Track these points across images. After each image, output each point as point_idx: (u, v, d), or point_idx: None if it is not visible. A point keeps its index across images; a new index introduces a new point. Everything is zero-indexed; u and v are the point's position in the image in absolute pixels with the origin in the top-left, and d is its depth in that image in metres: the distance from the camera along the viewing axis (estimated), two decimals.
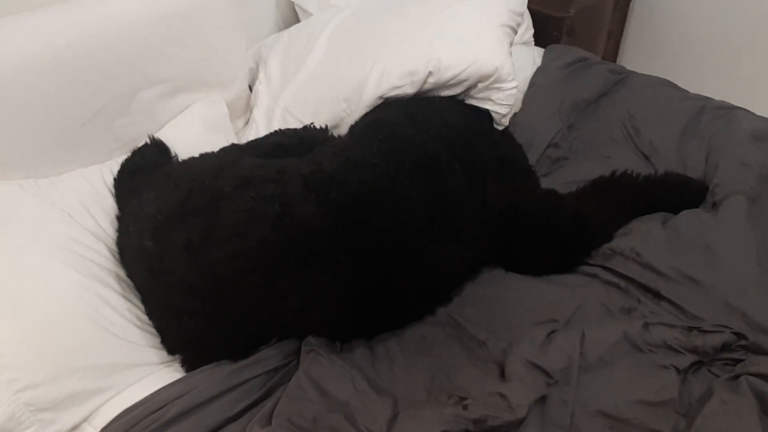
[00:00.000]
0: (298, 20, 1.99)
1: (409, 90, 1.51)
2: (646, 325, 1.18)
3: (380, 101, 1.54)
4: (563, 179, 1.57)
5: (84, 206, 1.31)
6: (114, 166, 1.43)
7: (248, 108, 1.81)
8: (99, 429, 1.07)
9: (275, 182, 1.17)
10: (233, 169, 1.22)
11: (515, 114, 1.73)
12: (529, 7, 2.03)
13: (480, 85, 1.50)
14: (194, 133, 1.55)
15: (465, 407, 1.04)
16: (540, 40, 2.10)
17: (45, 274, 1.14)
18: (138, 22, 1.44)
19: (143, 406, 1.08)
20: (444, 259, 1.27)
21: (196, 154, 1.40)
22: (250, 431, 1.04)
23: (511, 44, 1.58)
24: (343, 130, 1.56)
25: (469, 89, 1.53)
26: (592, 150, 1.67)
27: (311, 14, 1.92)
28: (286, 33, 1.87)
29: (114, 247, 1.28)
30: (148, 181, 1.30)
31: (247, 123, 1.80)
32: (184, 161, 1.39)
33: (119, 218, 1.32)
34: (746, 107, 1.74)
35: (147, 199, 1.23)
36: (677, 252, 1.33)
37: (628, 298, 1.28)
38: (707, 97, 1.79)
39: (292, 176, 1.19)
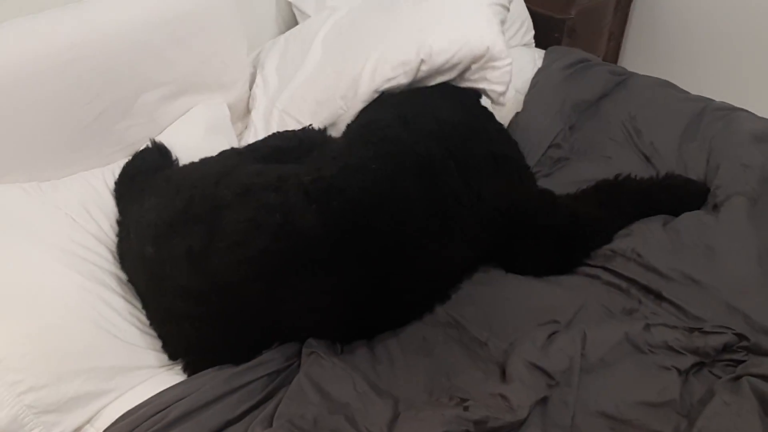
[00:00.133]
0: (297, 23, 2.00)
1: (404, 80, 1.51)
2: (647, 326, 1.18)
3: (376, 95, 1.54)
4: (564, 180, 1.57)
5: (86, 209, 1.32)
6: (116, 168, 1.44)
7: (249, 111, 1.82)
8: (101, 431, 1.07)
9: (276, 190, 1.18)
10: (234, 176, 1.23)
11: (516, 114, 1.73)
12: (529, 9, 2.04)
13: (474, 67, 1.50)
14: (196, 136, 1.55)
15: (466, 408, 1.04)
16: (541, 41, 2.11)
17: (48, 277, 1.15)
18: (140, 25, 1.44)
19: (145, 408, 1.08)
20: (443, 258, 1.27)
21: (197, 158, 1.40)
22: None
23: (503, 22, 1.56)
24: (341, 128, 1.56)
25: (464, 72, 1.52)
26: (593, 151, 1.67)
27: (309, 16, 1.93)
28: (282, 38, 1.88)
29: (115, 250, 1.28)
30: (149, 185, 1.30)
31: (247, 127, 1.81)
32: (184, 166, 1.39)
33: (120, 223, 1.32)
34: (747, 108, 1.74)
35: (148, 206, 1.24)
36: (678, 253, 1.33)
37: (630, 299, 1.28)
38: (708, 98, 1.79)
39: (292, 184, 1.19)
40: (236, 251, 1.11)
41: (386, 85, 1.52)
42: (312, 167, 1.25)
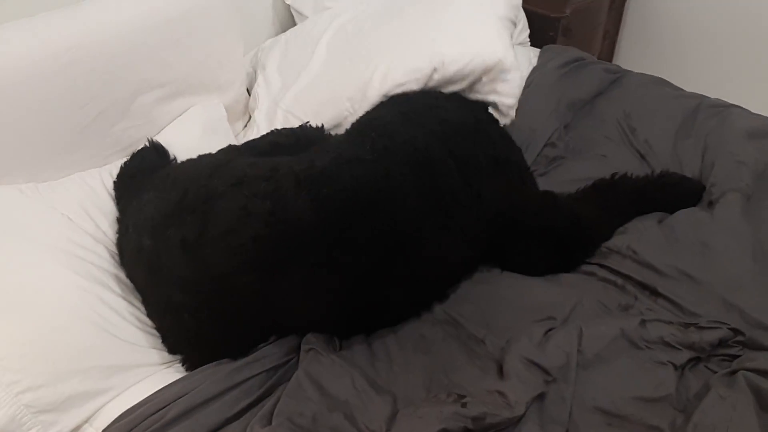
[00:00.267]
0: (294, 23, 2.00)
1: (414, 86, 1.53)
2: (643, 322, 1.19)
3: (384, 99, 1.55)
4: (560, 178, 1.58)
5: (84, 209, 1.32)
6: (113, 169, 1.44)
7: (246, 111, 1.83)
8: (100, 430, 1.07)
9: (267, 180, 1.19)
10: (228, 169, 1.23)
11: None
12: (524, 8, 2.05)
13: (485, 78, 1.52)
14: (193, 136, 1.56)
15: (464, 405, 1.04)
16: (536, 40, 2.11)
17: (45, 277, 1.15)
18: (137, 27, 1.45)
19: (144, 406, 1.08)
20: (440, 254, 1.27)
21: (195, 157, 1.41)
22: (251, 431, 1.05)
23: (511, 36, 1.59)
24: (345, 129, 1.57)
25: (474, 83, 1.54)
26: (588, 149, 1.68)
27: (307, 17, 1.93)
28: (282, 37, 1.89)
29: (113, 250, 1.29)
30: (148, 183, 1.31)
31: (246, 125, 1.81)
32: (182, 163, 1.40)
33: (119, 220, 1.33)
34: (741, 105, 1.74)
35: (146, 200, 1.25)
36: (674, 249, 1.33)
37: (625, 295, 1.29)
38: (702, 96, 1.79)
39: (284, 173, 1.20)
40: (228, 239, 1.12)
41: (395, 90, 1.54)
42: (305, 158, 1.26)
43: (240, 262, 1.13)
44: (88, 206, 1.34)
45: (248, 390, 1.13)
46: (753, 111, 1.72)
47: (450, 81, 1.52)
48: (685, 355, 1.15)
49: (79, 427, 1.10)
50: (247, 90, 1.84)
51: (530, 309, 1.26)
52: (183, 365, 1.19)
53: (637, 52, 2.64)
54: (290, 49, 1.81)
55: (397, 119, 1.42)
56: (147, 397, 1.11)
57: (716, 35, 2.40)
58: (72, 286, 1.17)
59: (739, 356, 1.15)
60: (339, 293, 1.18)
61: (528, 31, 2.12)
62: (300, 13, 1.97)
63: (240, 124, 1.80)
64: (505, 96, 1.53)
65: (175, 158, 1.46)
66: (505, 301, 1.29)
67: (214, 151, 1.45)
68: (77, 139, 1.40)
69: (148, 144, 1.48)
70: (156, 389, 1.12)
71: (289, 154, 1.35)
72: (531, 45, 2.12)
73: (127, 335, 1.19)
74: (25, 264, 1.15)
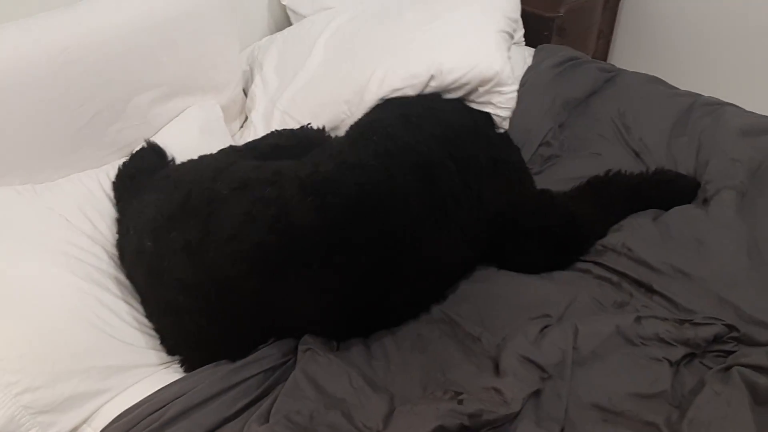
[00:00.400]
0: (289, 23, 2.01)
1: (410, 92, 1.54)
2: (638, 319, 1.20)
3: (381, 102, 1.55)
4: (555, 177, 1.59)
5: (81, 210, 1.32)
6: (110, 170, 1.44)
7: (243, 111, 1.83)
8: (99, 430, 1.07)
9: (272, 185, 1.19)
10: (231, 172, 1.23)
11: None
12: None
13: (481, 89, 1.53)
14: (189, 137, 1.56)
15: (460, 402, 1.05)
16: (531, 40, 2.12)
17: (43, 278, 1.15)
18: (132, 27, 1.45)
19: (142, 407, 1.09)
20: (441, 257, 1.28)
21: (194, 157, 1.41)
22: (249, 430, 1.05)
23: (509, 49, 1.61)
24: (343, 132, 1.58)
25: (469, 93, 1.55)
26: (583, 148, 1.69)
27: (303, 16, 1.94)
28: (279, 36, 1.89)
29: (111, 250, 1.29)
30: (148, 183, 1.31)
31: (242, 125, 1.81)
32: (183, 163, 1.40)
33: (119, 220, 1.33)
34: (735, 103, 1.75)
35: (147, 201, 1.25)
36: (669, 246, 1.34)
37: (621, 292, 1.30)
38: (696, 94, 1.80)
39: (288, 179, 1.20)
40: (232, 244, 1.12)
41: (393, 95, 1.55)
42: (309, 163, 1.27)
43: (243, 267, 1.13)
44: (86, 207, 1.34)
45: (246, 390, 1.13)
46: (747, 109, 1.73)
47: (446, 89, 1.54)
48: (680, 352, 1.16)
49: (77, 427, 1.10)
50: (243, 90, 1.84)
51: (526, 307, 1.27)
52: (182, 366, 1.20)
53: (632, 51, 2.65)
54: (288, 48, 1.82)
55: (397, 122, 1.43)
56: (145, 398, 1.11)
57: (710, 34, 2.41)
58: (70, 287, 1.17)
59: (733, 352, 1.16)
60: (340, 296, 1.18)
61: (523, 30, 2.13)
62: (296, 13, 1.98)
63: (236, 125, 1.81)
64: (499, 108, 1.55)
65: (173, 159, 1.46)
66: (501, 299, 1.29)
67: (211, 151, 1.45)
68: (73, 140, 1.41)
69: (146, 145, 1.48)
70: (154, 390, 1.12)
71: (290, 157, 1.35)
72: (526, 44, 2.12)
73: (126, 336, 1.19)
74: (22, 265, 1.15)
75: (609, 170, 1.51)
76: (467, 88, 1.53)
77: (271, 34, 1.97)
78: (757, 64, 2.35)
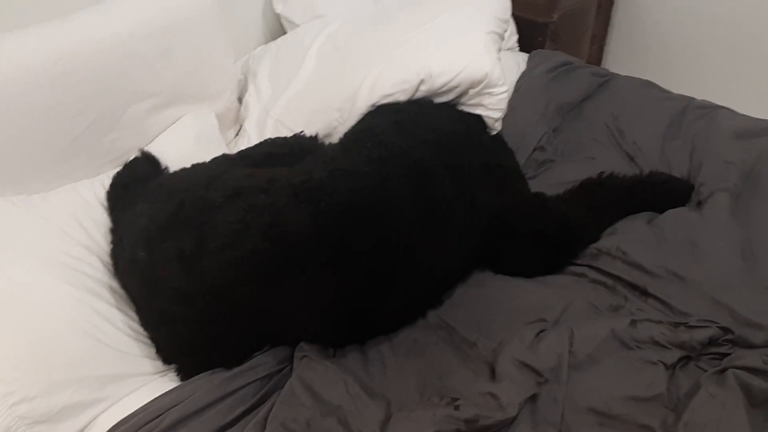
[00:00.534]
0: (284, 31, 2.01)
1: (401, 97, 1.54)
2: (633, 322, 1.20)
3: (372, 108, 1.56)
4: (550, 181, 1.59)
5: (76, 220, 1.32)
6: (105, 179, 1.44)
7: (238, 119, 1.83)
8: None
9: (265, 192, 1.19)
10: (224, 180, 1.23)
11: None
12: (513, 13, 2.05)
13: (471, 92, 1.53)
14: (185, 146, 1.56)
15: (457, 408, 1.05)
16: (524, 45, 2.13)
17: (38, 288, 1.15)
18: (127, 37, 1.45)
19: (139, 416, 1.08)
20: (435, 263, 1.28)
21: (188, 166, 1.41)
22: None
23: (499, 50, 1.61)
24: (336, 139, 1.58)
25: (460, 96, 1.55)
26: (577, 152, 1.69)
27: (297, 25, 1.94)
28: (273, 45, 1.90)
29: (107, 260, 1.29)
30: (141, 193, 1.31)
31: (237, 134, 1.82)
32: (176, 172, 1.40)
33: (113, 230, 1.33)
34: (728, 106, 1.76)
35: (140, 211, 1.24)
36: (663, 250, 1.35)
37: (616, 296, 1.30)
38: (690, 97, 1.81)
39: (282, 186, 1.20)
40: (226, 252, 1.12)
41: (384, 101, 1.55)
42: (302, 170, 1.27)
43: (238, 275, 1.13)
44: (81, 217, 1.34)
45: (243, 398, 1.13)
46: (739, 112, 1.73)
47: (437, 93, 1.54)
48: (676, 354, 1.16)
49: None
50: (238, 98, 1.85)
51: (521, 311, 1.27)
52: (178, 374, 1.19)
53: (626, 56, 2.66)
54: (281, 56, 1.82)
55: (390, 129, 1.43)
56: (142, 407, 1.11)
57: (703, 38, 2.42)
58: (65, 296, 1.17)
59: (728, 354, 1.17)
60: (335, 302, 1.18)
61: (516, 36, 2.14)
62: (290, 22, 1.98)
63: (231, 133, 1.81)
64: (491, 110, 1.55)
65: (167, 168, 1.46)
66: (497, 304, 1.30)
67: (206, 160, 1.46)
68: (69, 150, 1.41)
69: (139, 154, 1.48)
70: (150, 398, 1.12)
71: (283, 164, 1.35)
72: (519, 50, 2.13)
73: (121, 345, 1.19)
74: (18, 276, 1.15)
75: (602, 172, 1.52)
76: (457, 90, 1.53)
77: (266, 43, 1.98)
78: (749, 67, 2.36)
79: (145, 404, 1.11)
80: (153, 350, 1.22)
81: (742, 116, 1.71)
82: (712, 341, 1.18)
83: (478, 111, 1.56)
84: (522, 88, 1.81)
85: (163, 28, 1.52)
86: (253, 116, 1.75)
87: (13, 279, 1.15)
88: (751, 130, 1.63)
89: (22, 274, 1.16)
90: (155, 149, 1.52)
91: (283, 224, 1.15)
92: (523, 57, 1.99)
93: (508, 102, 1.74)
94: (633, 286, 1.30)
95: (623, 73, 1.97)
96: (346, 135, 1.52)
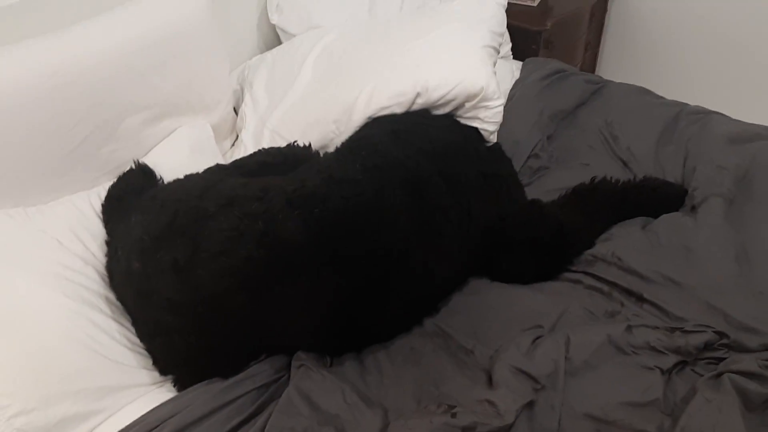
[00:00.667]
0: (279, 42, 2.02)
1: (398, 110, 1.55)
2: (629, 328, 1.20)
3: (369, 120, 1.57)
4: (544, 188, 1.60)
5: (73, 232, 1.32)
6: (101, 191, 1.44)
7: (234, 130, 1.84)
8: None
9: (259, 200, 1.19)
10: (218, 189, 1.24)
11: None
12: (506, 22, 2.08)
13: (467, 105, 1.55)
14: (180, 157, 1.56)
15: (454, 415, 1.05)
16: (518, 53, 2.14)
17: (35, 301, 1.16)
18: (122, 49, 1.46)
19: (136, 427, 1.08)
20: (430, 271, 1.29)
21: (181, 177, 1.41)
22: None
23: (494, 64, 1.63)
24: (332, 150, 1.58)
25: (457, 109, 1.57)
26: (571, 158, 1.70)
27: (293, 35, 1.96)
28: (269, 55, 1.91)
29: (103, 271, 1.29)
30: (135, 204, 1.32)
31: (233, 144, 1.82)
32: (170, 183, 1.40)
33: (108, 243, 1.33)
34: (721, 111, 1.77)
35: (135, 222, 1.24)
36: (658, 255, 1.36)
37: (611, 302, 1.31)
38: (683, 103, 1.82)
39: (275, 194, 1.20)
40: (220, 260, 1.13)
41: (380, 113, 1.56)
42: (296, 178, 1.27)
43: (232, 283, 1.13)
44: (78, 229, 1.34)
45: (240, 408, 1.13)
46: (732, 117, 1.75)
47: (433, 106, 1.55)
48: (672, 360, 1.16)
49: None
50: (234, 109, 1.86)
51: (518, 318, 1.27)
52: (175, 385, 1.20)
53: (619, 63, 2.68)
54: (277, 67, 1.83)
55: (387, 138, 1.44)
56: (139, 418, 1.11)
57: (696, 45, 2.45)
58: (62, 308, 1.17)
59: (724, 359, 1.17)
60: (330, 311, 1.18)
61: (510, 44, 2.16)
62: (285, 32, 1.99)
63: (227, 143, 1.82)
64: (487, 122, 1.57)
65: (161, 179, 1.47)
66: (493, 311, 1.30)
67: (201, 170, 1.46)
68: (65, 162, 1.41)
69: (134, 166, 1.49)
70: (148, 409, 1.12)
71: (277, 174, 1.36)
72: (513, 58, 2.15)
73: (118, 356, 1.19)
74: (14, 288, 1.16)
75: (594, 177, 1.52)
76: (454, 104, 1.54)
77: (261, 53, 1.99)
78: (741, 72, 2.38)
79: (143, 415, 1.11)
80: (150, 361, 1.22)
81: (735, 121, 1.72)
82: (707, 346, 1.18)
83: (474, 123, 1.58)
84: (516, 95, 1.82)
85: (159, 40, 1.53)
86: (250, 127, 1.76)
87: (10, 291, 1.15)
88: (744, 135, 1.64)
89: (18, 286, 1.16)
90: (150, 161, 1.52)
91: (276, 232, 1.15)
92: (517, 65, 2.00)
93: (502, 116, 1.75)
94: (628, 292, 1.31)
95: (617, 79, 1.98)
96: (343, 144, 1.53)
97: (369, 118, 1.55)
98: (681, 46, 2.48)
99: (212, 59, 1.67)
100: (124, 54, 1.46)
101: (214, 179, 1.30)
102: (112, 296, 1.27)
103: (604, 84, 1.92)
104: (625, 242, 1.39)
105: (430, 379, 1.19)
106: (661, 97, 1.87)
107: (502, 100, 1.56)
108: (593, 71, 2.71)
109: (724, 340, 1.19)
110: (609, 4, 2.57)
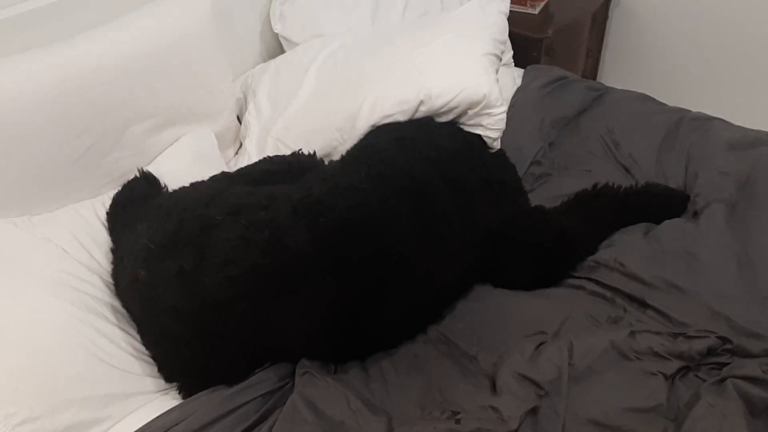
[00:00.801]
0: (282, 51, 2.04)
1: (401, 118, 1.56)
2: (632, 334, 1.21)
3: (372, 129, 1.58)
4: (546, 195, 1.60)
5: (78, 240, 1.33)
6: (106, 200, 1.46)
7: (237, 138, 1.85)
8: None
9: (265, 209, 1.20)
10: (224, 198, 1.24)
11: None
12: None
13: (470, 112, 1.56)
14: (184, 165, 1.58)
15: (458, 422, 1.05)
16: (520, 60, 2.15)
17: (40, 309, 1.16)
18: (126, 58, 1.47)
19: None
20: (434, 278, 1.29)
21: (187, 185, 1.42)
22: None
23: (497, 72, 1.64)
24: (336, 158, 1.59)
25: (460, 116, 1.58)
26: (573, 165, 1.70)
27: (296, 44, 1.97)
28: (272, 63, 1.92)
29: (108, 279, 1.30)
30: (141, 212, 1.32)
31: (237, 153, 1.83)
32: (175, 191, 1.41)
33: (113, 251, 1.34)
34: (722, 117, 1.78)
35: (140, 230, 1.25)
36: (661, 261, 1.36)
37: (615, 308, 1.31)
38: (685, 109, 1.82)
39: (281, 203, 1.21)
40: (226, 269, 1.13)
41: (384, 121, 1.57)
42: (302, 187, 1.28)
43: (238, 292, 1.13)
44: (82, 237, 1.35)
45: (244, 415, 1.13)
46: (734, 123, 1.75)
47: (436, 113, 1.56)
48: (675, 365, 1.16)
49: None
50: (238, 117, 1.87)
51: (521, 324, 1.28)
52: (180, 392, 1.20)
53: (621, 70, 2.68)
54: (281, 75, 1.84)
55: (391, 146, 1.45)
56: (144, 425, 1.11)
57: (697, 51, 2.45)
58: (67, 316, 1.18)
59: (727, 364, 1.17)
60: (334, 318, 1.19)
61: (512, 52, 2.16)
62: (288, 41, 2.01)
63: (231, 152, 1.83)
64: (489, 129, 1.57)
65: (166, 187, 1.47)
66: (497, 318, 1.30)
67: (205, 179, 1.47)
68: (69, 171, 1.42)
69: (138, 174, 1.49)
70: (153, 417, 1.12)
71: (281, 182, 1.36)
72: (515, 65, 2.15)
73: (123, 364, 1.19)
74: (20, 296, 1.16)
75: (596, 183, 1.53)
76: (457, 111, 1.55)
77: (264, 62, 2.00)
78: (743, 79, 2.39)
79: (148, 423, 1.11)
80: (155, 369, 1.22)
81: (736, 127, 1.72)
82: (711, 351, 1.18)
83: (477, 131, 1.58)
84: (518, 103, 1.83)
85: (162, 49, 1.54)
86: (253, 135, 1.77)
87: (16, 300, 1.15)
88: (745, 140, 1.64)
89: (24, 294, 1.17)
90: (155, 169, 1.53)
91: (282, 240, 1.15)
92: (519, 72, 2.01)
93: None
94: (631, 298, 1.31)
95: (618, 86, 1.99)
96: (347, 152, 1.54)
97: (372, 126, 1.56)
98: (682, 52, 2.49)
99: (215, 68, 1.68)
100: (128, 63, 1.47)
101: (220, 187, 1.31)
102: (117, 304, 1.27)
103: (605, 91, 1.92)
104: (627, 248, 1.39)
105: (434, 385, 1.19)
106: (663, 104, 1.87)
107: (505, 107, 1.57)
108: (595, 78, 2.72)
109: (728, 346, 1.19)
110: (610, 11, 2.57)
